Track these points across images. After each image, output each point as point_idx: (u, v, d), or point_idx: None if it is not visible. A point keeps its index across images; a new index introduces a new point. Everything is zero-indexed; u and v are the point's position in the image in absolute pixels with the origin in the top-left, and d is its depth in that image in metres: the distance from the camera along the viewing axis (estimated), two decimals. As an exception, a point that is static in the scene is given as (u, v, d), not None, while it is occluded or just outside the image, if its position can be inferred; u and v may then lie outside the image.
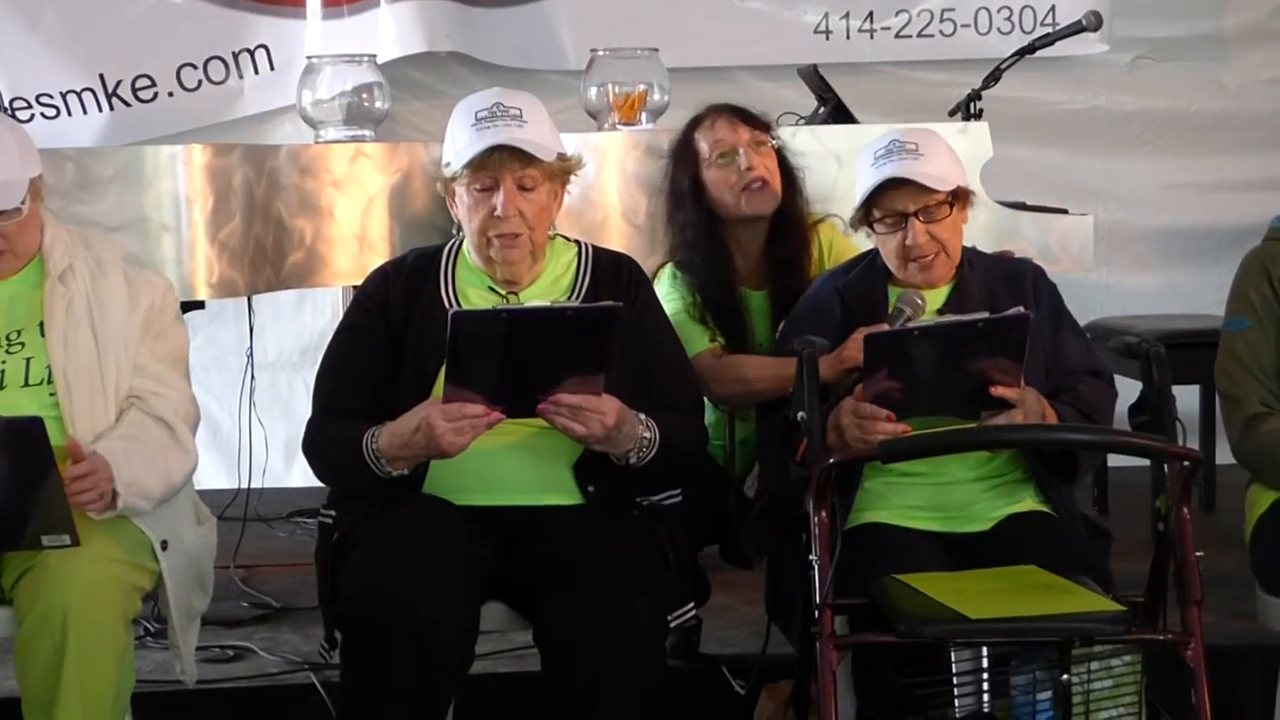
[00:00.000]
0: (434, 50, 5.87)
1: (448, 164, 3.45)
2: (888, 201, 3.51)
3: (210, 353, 5.72)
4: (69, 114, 5.74)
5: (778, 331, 3.92)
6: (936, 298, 3.57)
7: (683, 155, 4.13)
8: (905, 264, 3.53)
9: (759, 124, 4.13)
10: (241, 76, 5.87)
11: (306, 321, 6.00)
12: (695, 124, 4.16)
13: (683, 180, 4.10)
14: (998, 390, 3.30)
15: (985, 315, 3.34)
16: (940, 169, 3.50)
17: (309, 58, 5.00)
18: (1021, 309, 3.34)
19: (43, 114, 5.66)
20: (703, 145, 4.11)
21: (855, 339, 3.50)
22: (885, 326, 3.41)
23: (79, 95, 5.76)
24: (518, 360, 3.18)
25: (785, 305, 3.89)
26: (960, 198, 3.55)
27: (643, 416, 3.33)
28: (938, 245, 3.52)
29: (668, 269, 4.12)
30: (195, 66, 5.84)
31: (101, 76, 5.77)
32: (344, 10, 5.85)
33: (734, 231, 4.10)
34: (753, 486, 4.01)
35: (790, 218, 4.10)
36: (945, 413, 3.32)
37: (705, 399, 3.70)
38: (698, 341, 3.99)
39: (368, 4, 5.84)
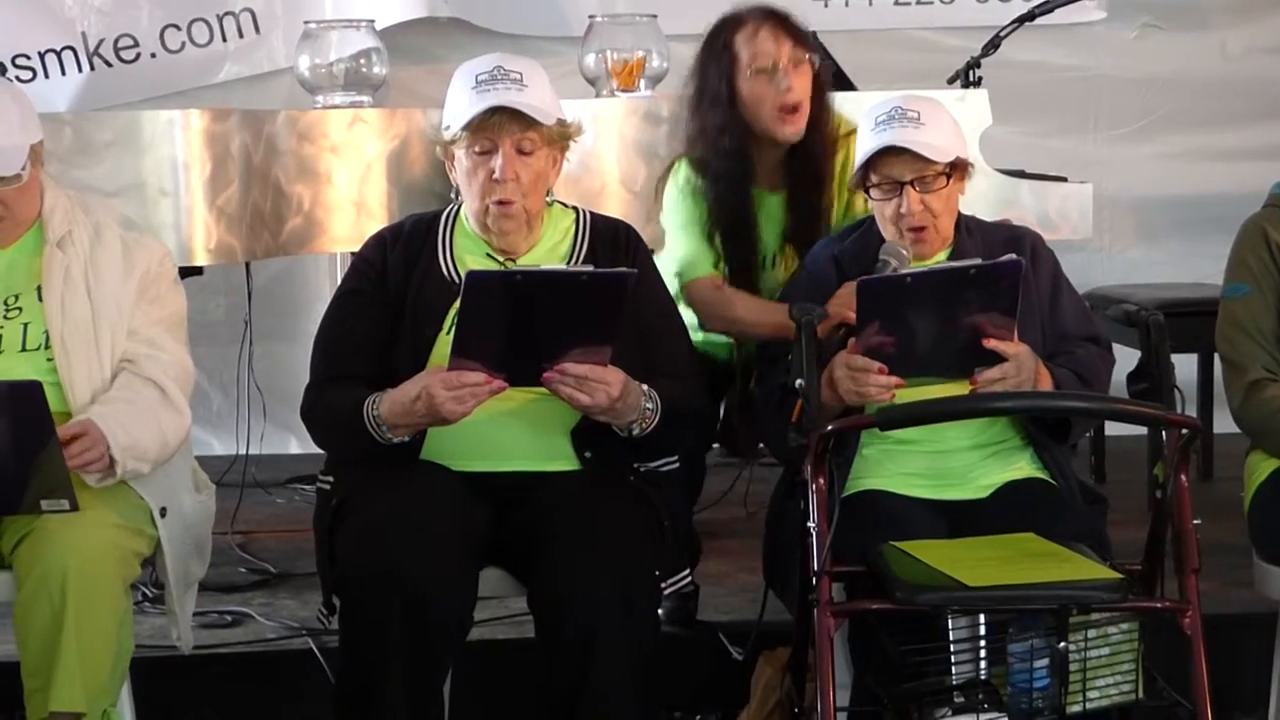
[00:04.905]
0: (434, 16, 5.85)
1: (447, 127, 3.44)
2: (884, 168, 3.51)
3: (201, 320, 5.71)
4: (46, 76, 5.69)
5: (787, 237, 3.95)
6: (933, 263, 3.56)
7: (719, 55, 4.01)
8: (900, 233, 3.53)
9: (801, 39, 4.02)
10: (225, 40, 5.83)
11: (300, 289, 6.00)
12: (735, 24, 4.02)
13: (717, 82, 3.99)
14: (990, 343, 3.30)
15: (977, 262, 3.34)
16: (940, 139, 3.49)
17: (307, 23, 4.99)
18: (1014, 256, 3.34)
19: (18, 77, 5.61)
20: (742, 52, 3.98)
21: (842, 294, 3.51)
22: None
23: (58, 55, 5.70)
24: (526, 325, 3.17)
25: (801, 211, 3.90)
26: (958, 169, 3.54)
27: (645, 388, 3.33)
28: (930, 216, 3.51)
29: (683, 168, 4.04)
30: (179, 28, 5.80)
31: (84, 35, 5.74)
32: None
33: (759, 138, 4.03)
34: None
35: (817, 129, 4.02)
36: (938, 367, 3.32)
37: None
38: (701, 264, 3.96)
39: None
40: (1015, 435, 3.54)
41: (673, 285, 3.86)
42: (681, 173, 4.05)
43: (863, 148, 3.53)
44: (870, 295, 3.26)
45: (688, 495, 3.89)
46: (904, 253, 3.48)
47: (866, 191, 3.56)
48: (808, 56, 4.01)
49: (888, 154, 3.49)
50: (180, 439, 3.41)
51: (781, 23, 4.02)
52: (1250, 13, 6.29)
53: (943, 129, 3.52)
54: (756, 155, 4.03)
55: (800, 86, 3.98)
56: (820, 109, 4.04)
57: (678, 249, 4.03)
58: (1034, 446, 3.53)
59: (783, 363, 3.36)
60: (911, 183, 3.49)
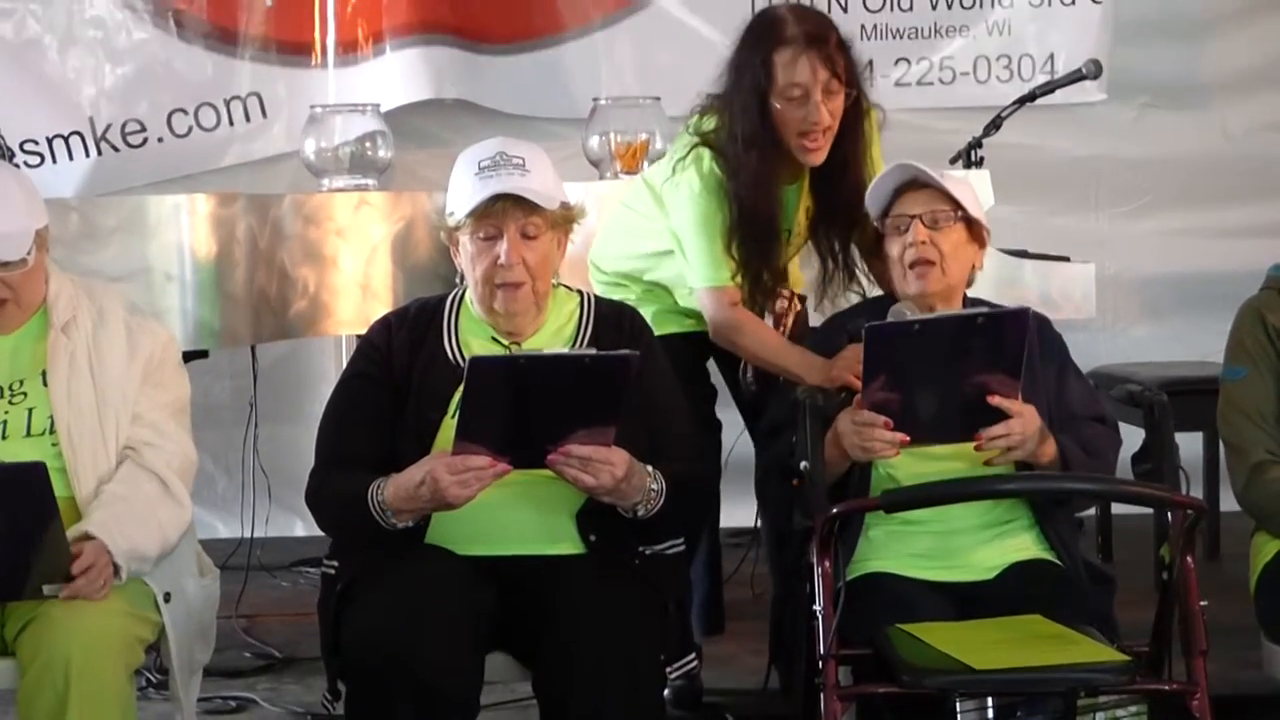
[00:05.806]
0: (439, 98, 5.89)
1: (451, 213, 3.46)
2: (899, 206, 3.57)
3: (206, 402, 5.72)
4: (54, 160, 5.74)
5: (802, 225, 4.00)
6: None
7: (756, 68, 3.94)
8: (904, 272, 3.55)
9: (838, 72, 3.95)
10: (232, 124, 5.88)
11: (306, 371, 6.01)
12: (779, 41, 3.93)
13: (749, 92, 3.94)
14: (995, 399, 3.30)
15: (985, 310, 3.35)
16: (959, 191, 3.55)
17: (313, 107, 5.02)
18: (1023, 305, 3.35)
19: (26, 162, 5.64)
20: (779, 75, 3.91)
21: (846, 355, 3.53)
22: None
23: (66, 140, 5.76)
24: (530, 408, 3.18)
25: (821, 189, 3.97)
26: (973, 229, 3.58)
27: (650, 469, 3.33)
28: (936, 253, 3.53)
29: (707, 158, 3.97)
30: (186, 112, 5.85)
31: (91, 120, 5.79)
32: (355, 58, 5.87)
33: (785, 149, 3.99)
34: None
35: (842, 147, 3.99)
36: (943, 425, 3.32)
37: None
38: (718, 271, 3.94)
39: (375, 52, 5.87)
40: (1022, 514, 3.53)
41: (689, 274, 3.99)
42: (705, 163, 3.98)
43: (879, 184, 3.61)
44: (878, 341, 3.26)
45: (713, 571, 3.91)
46: (909, 315, 3.49)
47: (881, 238, 3.59)
48: (843, 90, 3.96)
49: (905, 191, 3.56)
50: (181, 532, 3.41)
51: (822, 53, 3.93)
52: (1251, 91, 6.32)
53: (963, 188, 3.59)
54: (781, 160, 3.99)
55: (827, 114, 3.93)
56: (851, 130, 4.00)
57: (693, 247, 3.98)
58: (1040, 526, 3.53)
59: (785, 435, 3.37)
60: (921, 217, 3.53)
